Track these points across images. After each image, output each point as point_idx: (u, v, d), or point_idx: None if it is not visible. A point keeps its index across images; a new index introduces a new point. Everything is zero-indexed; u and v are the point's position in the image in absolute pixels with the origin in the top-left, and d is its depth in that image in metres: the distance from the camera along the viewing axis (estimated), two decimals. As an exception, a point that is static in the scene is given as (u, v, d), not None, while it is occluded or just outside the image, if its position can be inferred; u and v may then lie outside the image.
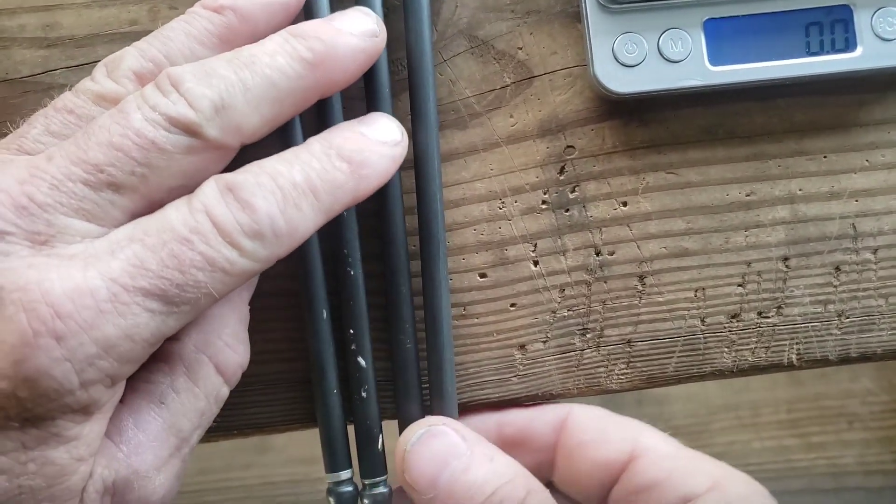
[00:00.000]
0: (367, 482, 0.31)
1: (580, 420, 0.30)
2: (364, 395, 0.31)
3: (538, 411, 0.31)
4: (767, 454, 0.94)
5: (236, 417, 0.32)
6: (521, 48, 0.33)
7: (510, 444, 0.30)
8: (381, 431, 0.31)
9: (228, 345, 0.27)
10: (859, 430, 0.96)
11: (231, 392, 0.32)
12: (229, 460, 0.95)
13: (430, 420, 0.29)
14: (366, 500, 0.31)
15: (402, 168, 0.31)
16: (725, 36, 0.32)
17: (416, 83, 0.31)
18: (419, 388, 0.31)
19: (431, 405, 0.31)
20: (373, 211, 0.31)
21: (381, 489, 0.31)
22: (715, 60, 0.31)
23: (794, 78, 0.32)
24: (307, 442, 0.89)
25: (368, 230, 0.32)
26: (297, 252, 0.29)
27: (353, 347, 0.31)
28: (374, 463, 0.31)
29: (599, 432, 0.30)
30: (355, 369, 0.31)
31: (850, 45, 0.32)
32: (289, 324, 0.32)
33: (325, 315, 0.31)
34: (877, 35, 0.31)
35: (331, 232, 0.31)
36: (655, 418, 0.95)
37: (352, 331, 0.31)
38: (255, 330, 0.32)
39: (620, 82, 0.31)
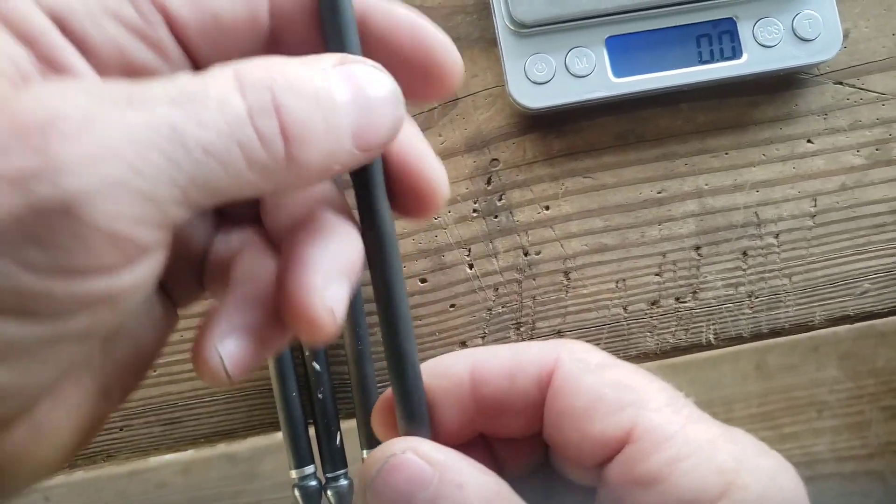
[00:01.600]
0: (328, 476, 0.34)
1: (569, 381, 0.23)
2: (320, 396, 0.34)
3: (518, 366, 0.24)
4: (743, 447, 0.96)
5: (202, 427, 0.35)
6: (445, 73, 0.36)
7: (491, 409, 0.24)
8: (339, 429, 0.34)
9: None
10: (828, 417, 0.98)
11: (196, 403, 0.35)
12: (220, 489, 0.97)
13: (392, 446, 0.23)
14: (329, 492, 0.34)
15: (346, 186, 0.34)
16: (626, 51, 0.35)
17: None
18: (375, 387, 0.34)
19: (397, 415, 0.31)
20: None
21: (343, 482, 0.34)
22: (618, 73, 0.35)
23: (689, 84, 0.35)
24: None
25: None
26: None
27: (307, 353, 0.34)
28: (334, 458, 0.34)
29: (592, 400, 0.23)
30: (312, 374, 0.34)
31: (736, 52, 0.35)
32: None
33: None
34: (759, 43, 0.35)
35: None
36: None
37: (305, 338, 0.34)
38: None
39: (533, 98, 0.35)
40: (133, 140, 0.14)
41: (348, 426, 0.34)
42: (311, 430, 0.35)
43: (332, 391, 0.34)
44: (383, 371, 0.35)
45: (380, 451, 0.23)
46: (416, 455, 0.22)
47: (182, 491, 1.09)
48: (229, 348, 0.18)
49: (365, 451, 0.34)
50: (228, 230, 0.21)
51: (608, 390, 0.23)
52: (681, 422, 0.22)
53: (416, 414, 0.23)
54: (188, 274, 0.21)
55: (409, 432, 0.23)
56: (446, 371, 0.24)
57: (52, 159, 0.14)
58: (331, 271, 0.19)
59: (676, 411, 0.23)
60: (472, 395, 0.24)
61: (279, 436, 0.36)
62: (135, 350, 0.20)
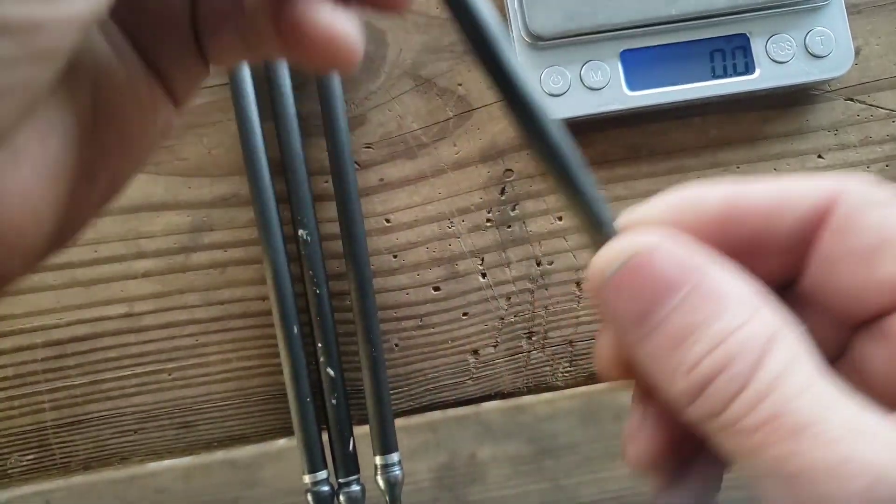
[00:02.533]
0: (341, 481, 0.34)
1: (853, 217, 0.19)
2: (334, 402, 0.34)
3: (787, 200, 0.19)
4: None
5: (216, 431, 0.35)
6: (460, 84, 0.37)
7: (742, 251, 0.20)
8: (351, 435, 0.35)
9: None
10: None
11: (210, 408, 0.35)
12: (218, 496, 0.97)
13: (638, 240, 0.18)
14: (341, 498, 0.34)
15: (362, 195, 0.35)
16: (640, 65, 0.36)
17: (330, 128, 0.34)
18: (388, 393, 0.35)
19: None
20: (335, 234, 0.35)
21: (355, 487, 0.34)
22: (632, 86, 0.35)
23: (702, 99, 0.36)
24: (293, 474, 0.92)
25: (331, 252, 0.35)
26: (269, 274, 0.33)
27: (322, 360, 0.34)
28: (347, 463, 0.34)
29: (882, 239, 0.19)
30: (326, 379, 0.34)
31: (749, 68, 0.36)
32: (260, 341, 0.35)
33: (296, 331, 0.34)
34: (772, 59, 0.36)
35: (297, 254, 0.34)
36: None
37: (320, 345, 0.34)
38: (229, 349, 0.35)
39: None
40: None
41: (361, 432, 0.35)
42: (324, 436, 0.35)
43: (346, 397, 0.35)
44: (395, 378, 0.36)
45: (622, 244, 0.18)
46: (668, 254, 0.18)
47: (181, 496, 1.10)
48: None
49: (378, 458, 0.34)
50: None
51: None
52: None
53: (605, 218, 0.19)
54: (177, 42, 0.18)
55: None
56: (694, 202, 0.19)
57: None
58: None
59: None
60: (720, 233, 0.19)
61: (280, 443, 0.36)
62: (119, 132, 0.18)
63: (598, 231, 0.19)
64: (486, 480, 1.08)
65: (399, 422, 0.36)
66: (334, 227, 0.35)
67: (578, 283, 0.36)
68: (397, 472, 0.34)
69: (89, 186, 0.18)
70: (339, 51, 0.17)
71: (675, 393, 0.17)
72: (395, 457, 0.34)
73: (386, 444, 0.34)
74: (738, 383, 0.16)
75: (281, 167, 0.35)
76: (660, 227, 0.19)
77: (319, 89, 0.35)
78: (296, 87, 0.35)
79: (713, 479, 0.20)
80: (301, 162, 0.35)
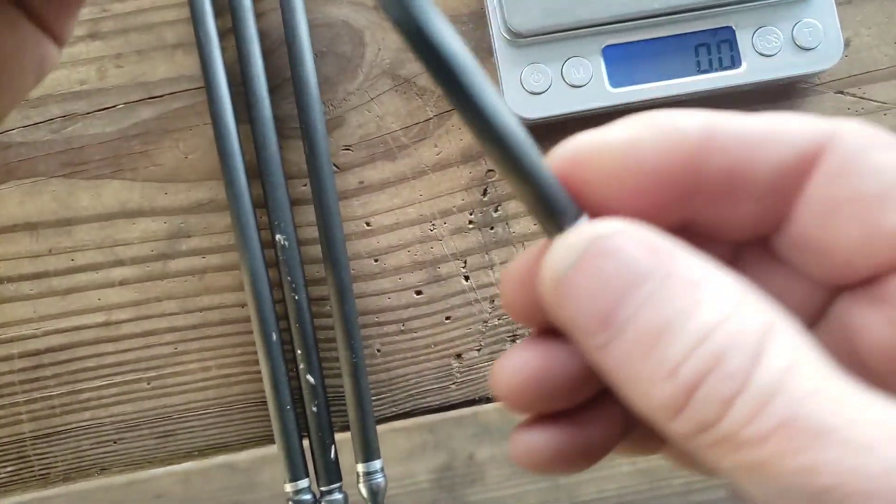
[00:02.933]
0: (323, 489, 0.34)
1: (852, 160, 0.16)
2: (315, 409, 0.34)
3: (774, 134, 0.17)
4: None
5: (196, 440, 0.35)
6: (440, 83, 0.36)
7: (717, 188, 0.17)
8: (333, 442, 0.34)
9: None
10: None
11: (190, 416, 0.34)
12: (218, 499, 0.97)
13: (595, 227, 0.15)
14: (322, 507, 0.34)
15: (341, 198, 0.34)
16: (623, 60, 0.35)
17: (307, 130, 0.34)
18: (369, 400, 0.34)
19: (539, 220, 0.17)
20: (313, 238, 0.34)
21: (337, 495, 0.34)
22: (615, 83, 0.35)
23: (688, 94, 0.35)
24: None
25: (310, 257, 0.35)
26: (247, 280, 0.32)
27: (301, 367, 0.34)
28: (328, 471, 0.34)
29: (887, 185, 0.16)
30: (306, 386, 0.34)
31: (735, 62, 0.35)
32: (240, 349, 0.35)
33: (275, 338, 0.33)
34: (759, 52, 0.35)
35: (275, 260, 0.34)
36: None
37: (300, 351, 0.34)
38: (208, 357, 0.35)
39: (529, 109, 0.34)
40: None
41: (343, 439, 0.34)
42: (306, 443, 0.34)
43: (327, 404, 0.34)
44: (377, 385, 0.35)
45: (576, 234, 0.16)
46: (631, 238, 0.15)
47: (180, 501, 1.10)
48: None
49: (360, 465, 0.33)
50: None
51: (867, 185, 0.16)
52: None
53: (560, 206, 0.16)
54: None
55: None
56: (667, 125, 0.17)
57: None
58: None
59: None
60: (695, 163, 0.16)
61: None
62: None
63: (553, 219, 0.16)
64: (486, 481, 1.08)
65: (396, 424, 0.35)
66: (313, 232, 0.35)
67: (563, 285, 0.35)
68: (380, 480, 0.33)
69: None
70: None
71: (654, 406, 0.14)
72: (377, 464, 0.33)
73: (368, 451, 0.33)
74: (733, 385, 0.13)
75: (258, 171, 0.34)
76: (620, 220, 0.15)
77: (296, 91, 0.34)
78: (272, 90, 0.34)
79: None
80: (278, 165, 0.34)
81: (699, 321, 0.14)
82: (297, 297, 0.34)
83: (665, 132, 0.16)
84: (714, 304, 0.14)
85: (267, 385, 0.33)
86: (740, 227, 0.17)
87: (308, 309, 0.34)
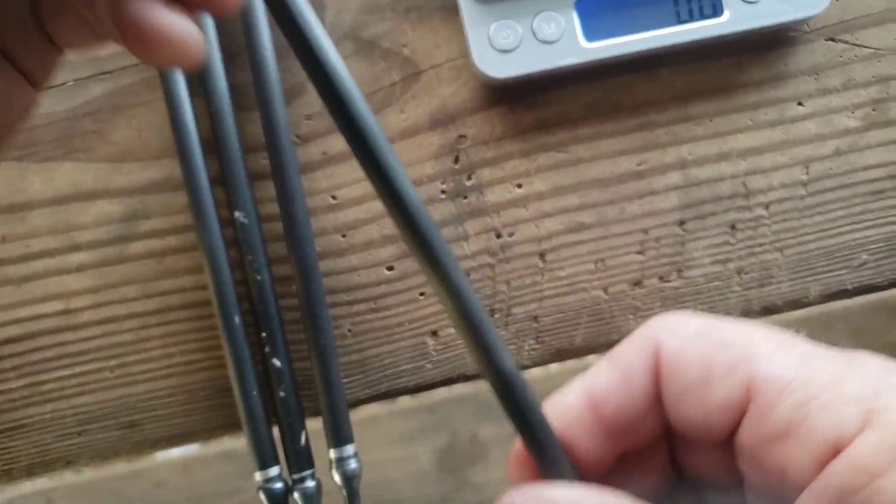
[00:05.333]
0: (294, 477, 0.32)
1: (675, 360, 0.22)
2: (283, 394, 0.32)
3: (625, 371, 0.22)
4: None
5: (162, 429, 0.33)
6: (405, 45, 0.34)
7: (619, 428, 0.22)
8: (304, 428, 0.32)
9: None
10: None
11: (155, 405, 0.33)
12: (217, 488, 0.97)
13: (511, 497, 0.20)
14: (296, 494, 0.32)
15: (304, 171, 0.32)
16: (597, 12, 0.33)
17: (264, 100, 0.32)
18: (340, 383, 0.32)
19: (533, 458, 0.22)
20: (276, 214, 0.33)
21: (309, 483, 0.32)
22: (589, 37, 0.32)
23: (668, 47, 0.33)
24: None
25: (274, 235, 0.33)
26: (206, 262, 0.31)
27: (267, 350, 0.32)
28: (299, 458, 0.32)
29: (702, 370, 0.21)
30: (272, 371, 0.32)
31: (717, 10, 0.33)
32: (204, 334, 0.33)
33: (237, 321, 0.32)
34: (742, -2, 0.32)
35: (235, 239, 0.32)
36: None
37: (264, 334, 0.32)
38: (171, 343, 0.33)
39: (499, 68, 0.32)
40: None
41: (314, 425, 0.33)
42: (277, 431, 0.33)
43: (296, 388, 0.32)
44: (349, 366, 0.34)
45: (503, 501, 0.20)
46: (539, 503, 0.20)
47: (181, 490, 1.09)
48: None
49: (332, 451, 0.32)
50: None
51: (715, 354, 0.21)
52: (796, 363, 0.20)
53: (550, 454, 0.21)
54: (20, 26, 0.19)
55: (549, 473, 0.21)
56: (563, 411, 0.22)
57: None
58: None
59: (789, 352, 0.20)
60: (596, 423, 0.22)
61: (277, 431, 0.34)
62: None
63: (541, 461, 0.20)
64: (489, 460, 1.07)
65: (395, 405, 0.34)
66: (275, 208, 0.33)
67: (542, 255, 0.34)
68: (353, 466, 0.32)
69: None
70: (174, 50, 0.17)
71: None
72: (350, 449, 0.32)
73: (340, 436, 0.32)
74: None
75: (215, 146, 0.32)
76: (533, 486, 0.20)
77: (251, 59, 0.32)
78: (226, 58, 0.33)
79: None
80: (235, 138, 0.32)
81: None
82: (259, 278, 0.32)
83: (565, 418, 0.21)
84: None
85: (231, 370, 0.32)
86: (650, 437, 0.22)
87: (272, 289, 0.32)
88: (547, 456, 0.21)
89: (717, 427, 0.21)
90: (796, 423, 0.20)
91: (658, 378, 0.22)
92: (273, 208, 0.33)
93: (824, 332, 0.96)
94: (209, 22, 0.32)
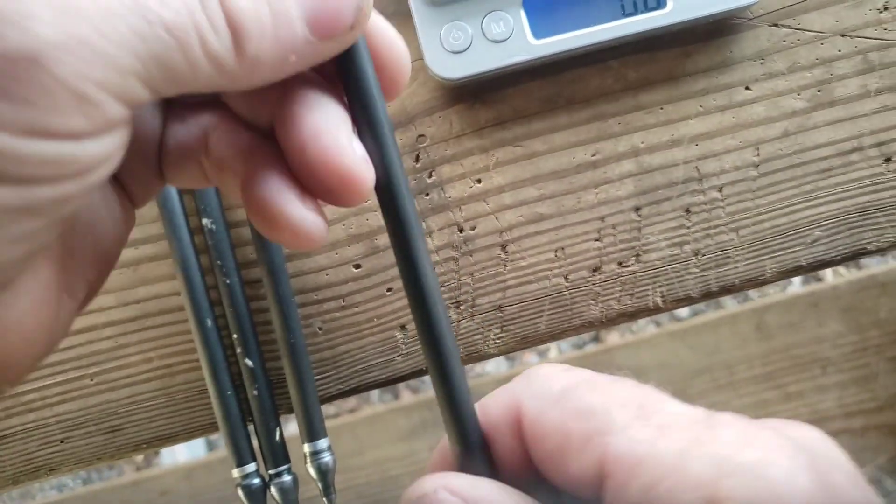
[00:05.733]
0: (271, 472, 0.33)
1: (536, 425, 0.22)
2: (256, 392, 0.33)
3: (492, 431, 0.23)
4: (748, 411, 0.95)
5: (144, 433, 0.34)
6: (362, 51, 0.35)
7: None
8: (278, 424, 0.33)
9: None
10: (833, 373, 0.97)
11: (136, 409, 0.34)
12: (221, 492, 0.98)
13: (424, 484, 0.22)
14: (273, 489, 0.33)
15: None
16: (544, 10, 0.34)
17: None
18: (311, 380, 0.33)
19: (450, 443, 0.23)
20: (243, 220, 0.34)
21: (286, 477, 0.33)
22: (538, 34, 0.34)
23: (615, 40, 0.34)
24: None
25: (243, 240, 0.34)
26: (178, 268, 0.32)
27: (239, 350, 0.33)
28: (275, 454, 0.33)
29: (560, 440, 0.21)
30: (245, 370, 0.33)
31: (661, 2, 0.34)
32: (181, 338, 0.34)
33: (209, 324, 0.33)
34: (683, -11, 0.34)
35: (205, 245, 0.33)
36: (631, 390, 0.96)
37: (236, 335, 0.33)
38: (149, 349, 0.34)
39: (451, 69, 0.33)
40: (98, 5, 0.15)
41: (289, 421, 0.34)
42: (253, 429, 0.34)
43: (269, 387, 0.33)
44: (321, 363, 0.35)
45: (413, 489, 0.22)
46: (448, 492, 0.21)
47: (185, 496, 1.09)
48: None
49: (306, 445, 0.33)
50: (183, 117, 0.21)
51: (573, 424, 0.21)
52: (651, 436, 0.20)
53: (468, 440, 0.22)
54: (144, 165, 0.21)
55: (465, 461, 0.22)
56: (487, 413, 0.23)
57: (24, 5, 0.14)
58: (344, 127, 0.19)
59: (645, 423, 0.20)
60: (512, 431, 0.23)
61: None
62: (94, 244, 0.20)
63: (455, 434, 0.22)
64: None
65: (394, 403, 0.35)
66: (242, 214, 0.34)
67: (503, 246, 0.35)
68: (327, 459, 0.33)
69: (70, 301, 0.19)
70: (299, 238, 0.19)
71: None
72: (323, 443, 0.33)
73: (313, 431, 0.33)
74: None
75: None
76: (444, 475, 0.22)
77: None
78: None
79: None
80: None
81: None
82: (228, 281, 0.33)
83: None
84: None
85: (206, 372, 0.33)
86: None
87: (242, 292, 0.33)
88: (463, 434, 0.22)
89: (582, 491, 0.21)
90: None
91: (522, 439, 0.22)
92: (240, 214, 0.34)
93: (813, 312, 0.97)
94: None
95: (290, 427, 0.89)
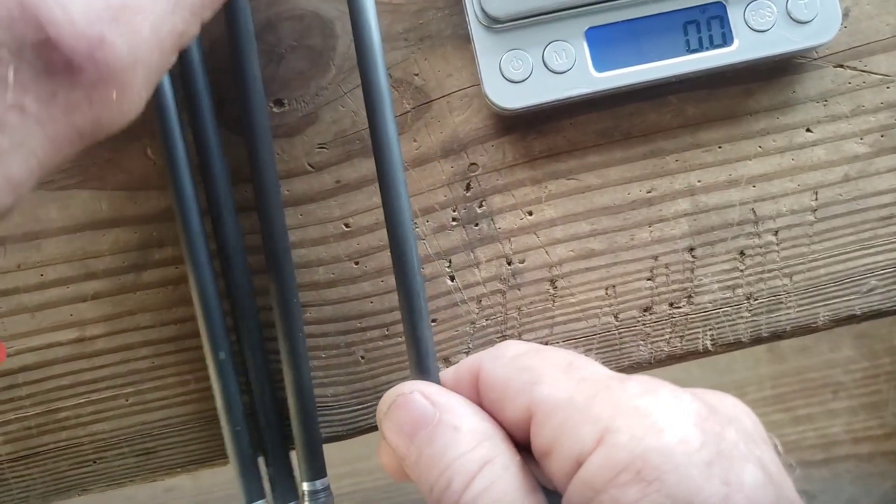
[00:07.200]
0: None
1: (485, 380, 0.26)
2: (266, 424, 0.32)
3: (456, 384, 0.28)
4: (756, 431, 0.95)
5: (178, 456, 0.34)
6: (417, 74, 0.34)
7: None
8: (288, 459, 0.33)
9: None
10: (844, 398, 0.96)
11: (171, 431, 0.33)
12: (227, 491, 0.97)
13: (403, 387, 0.27)
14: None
15: (318, 199, 0.33)
16: (607, 43, 0.33)
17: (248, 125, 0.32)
18: (315, 416, 0.32)
19: (410, 367, 0.29)
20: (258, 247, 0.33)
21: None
22: (599, 67, 0.33)
23: (677, 76, 0.33)
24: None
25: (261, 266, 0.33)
26: (195, 295, 0.31)
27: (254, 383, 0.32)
28: (285, 489, 0.32)
29: (501, 389, 0.25)
30: (258, 402, 0.32)
31: (727, 39, 0.33)
32: (196, 365, 0.33)
33: (223, 356, 0.32)
34: (751, 28, 0.33)
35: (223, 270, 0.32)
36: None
37: (249, 367, 0.32)
38: (187, 371, 0.33)
39: (510, 98, 0.32)
40: None
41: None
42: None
43: (280, 420, 0.33)
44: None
45: (393, 389, 0.27)
46: (422, 396, 0.26)
47: (190, 494, 1.09)
48: None
49: (305, 484, 0.32)
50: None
51: (513, 377, 0.25)
52: (570, 387, 0.24)
53: (426, 364, 0.28)
54: None
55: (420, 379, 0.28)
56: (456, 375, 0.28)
57: None
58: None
59: (569, 378, 0.24)
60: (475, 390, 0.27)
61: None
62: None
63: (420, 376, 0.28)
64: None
65: None
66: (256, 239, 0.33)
67: (552, 281, 0.34)
68: (323, 500, 0.32)
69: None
70: None
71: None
72: (321, 483, 0.32)
73: (314, 469, 0.32)
74: (454, 499, 0.23)
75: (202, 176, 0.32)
76: (420, 382, 0.27)
77: (236, 82, 0.32)
78: (219, 86, 0.33)
79: None
80: (221, 167, 0.32)
81: (448, 456, 0.24)
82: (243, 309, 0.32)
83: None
84: (461, 444, 0.24)
85: (219, 403, 0.32)
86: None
87: (256, 321, 0.32)
88: (422, 358, 0.28)
89: (518, 439, 0.25)
90: (554, 441, 0.23)
91: (478, 390, 0.26)
92: (253, 240, 0.33)
93: (827, 336, 0.97)
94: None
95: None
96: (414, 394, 0.26)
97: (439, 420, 0.25)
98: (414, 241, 0.29)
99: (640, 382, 0.24)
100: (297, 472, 0.32)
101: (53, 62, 0.18)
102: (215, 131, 0.32)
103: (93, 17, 0.18)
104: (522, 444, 0.25)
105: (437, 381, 0.28)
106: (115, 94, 0.19)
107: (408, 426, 0.25)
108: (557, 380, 0.24)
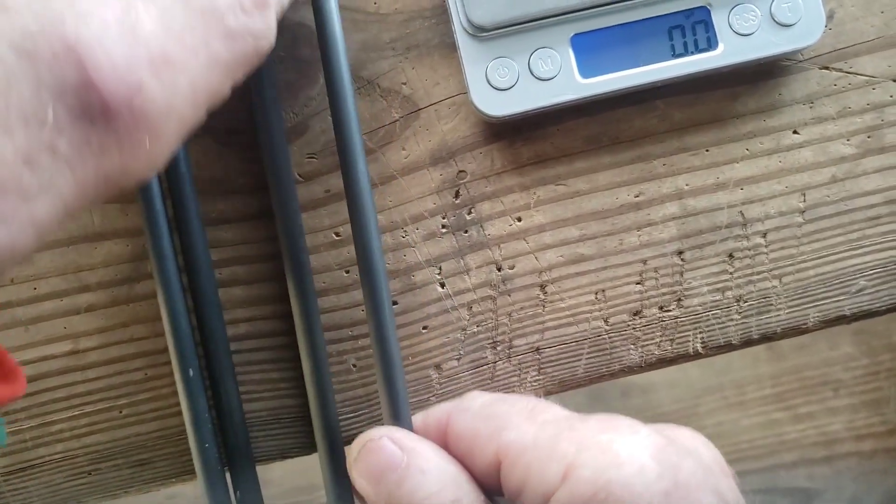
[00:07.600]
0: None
1: (455, 431, 0.28)
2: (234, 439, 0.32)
3: (429, 433, 0.29)
4: (757, 430, 0.95)
5: (173, 467, 0.34)
6: (405, 83, 0.34)
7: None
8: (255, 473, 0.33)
9: None
10: (845, 396, 0.96)
11: (165, 443, 0.34)
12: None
13: (370, 434, 0.28)
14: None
15: (308, 209, 0.33)
16: (593, 49, 0.33)
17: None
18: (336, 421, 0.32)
19: (384, 420, 0.30)
20: (224, 260, 0.33)
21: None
22: (585, 73, 0.33)
23: (663, 80, 0.33)
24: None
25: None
26: (164, 312, 0.31)
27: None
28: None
29: (469, 440, 0.27)
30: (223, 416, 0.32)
31: (711, 43, 0.33)
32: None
33: (191, 373, 0.32)
34: (735, 31, 0.33)
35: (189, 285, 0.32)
36: (642, 408, 0.96)
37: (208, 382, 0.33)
38: (159, 386, 0.34)
39: (497, 106, 0.33)
40: None
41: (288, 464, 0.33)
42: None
43: (245, 433, 0.33)
44: (354, 401, 0.34)
45: (364, 435, 0.28)
46: (391, 441, 0.27)
47: (192, 501, 1.10)
48: None
49: None
50: None
51: (481, 425, 0.27)
52: (534, 430, 0.26)
53: (398, 410, 0.29)
54: None
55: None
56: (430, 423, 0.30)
57: None
58: None
59: (532, 422, 0.26)
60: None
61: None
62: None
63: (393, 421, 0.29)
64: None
65: None
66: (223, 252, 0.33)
67: (542, 287, 0.34)
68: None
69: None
70: None
71: None
72: None
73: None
74: None
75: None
76: (389, 427, 0.29)
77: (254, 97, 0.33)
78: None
79: None
80: (189, 180, 0.32)
81: (415, 499, 0.25)
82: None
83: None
84: (428, 486, 0.26)
85: (188, 423, 0.32)
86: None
87: (223, 336, 0.33)
88: (395, 405, 0.29)
89: (488, 485, 0.27)
90: (523, 481, 0.25)
91: (447, 440, 0.28)
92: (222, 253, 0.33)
93: (826, 334, 0.97)
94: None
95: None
96: (383, 439, 0.27)
97: (407, 463, 0.26)
98: (386, 287, 0.30)
99: (600, 420, 0.25)
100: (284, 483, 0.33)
101: (91, 105, 0.18)
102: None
103: (134, 64, 0.19)
104: (493, 491, 0.27)
105: (410, 427, 0.29)
106: (147, 141, 0.19)
107: (376, 471, 0.27)
108: (523, 424, 0.26)
